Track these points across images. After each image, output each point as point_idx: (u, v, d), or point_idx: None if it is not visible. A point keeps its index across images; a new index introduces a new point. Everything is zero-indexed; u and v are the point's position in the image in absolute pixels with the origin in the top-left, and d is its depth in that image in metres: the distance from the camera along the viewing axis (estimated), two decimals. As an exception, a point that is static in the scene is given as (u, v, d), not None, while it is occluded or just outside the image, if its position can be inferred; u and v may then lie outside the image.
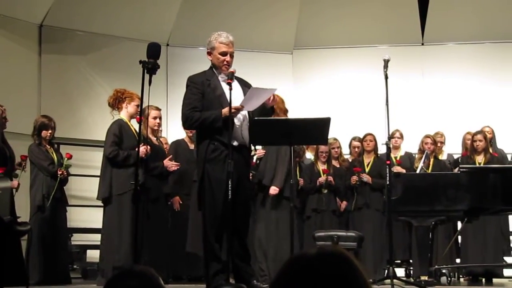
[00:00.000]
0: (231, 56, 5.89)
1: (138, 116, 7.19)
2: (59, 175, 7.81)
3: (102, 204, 7.40)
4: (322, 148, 9.11)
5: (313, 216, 9.03)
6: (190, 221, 7.85)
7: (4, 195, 4.61)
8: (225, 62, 5.85)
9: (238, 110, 5.66)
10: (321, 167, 9.19)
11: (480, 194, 6.85)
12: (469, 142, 9.12)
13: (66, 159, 7.98)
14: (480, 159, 8.75)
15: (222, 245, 5.78)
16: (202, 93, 5.82)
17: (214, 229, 5.71)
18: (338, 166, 9.44)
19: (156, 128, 7.84)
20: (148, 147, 6.99)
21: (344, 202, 9.15)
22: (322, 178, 9.04)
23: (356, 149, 9.55)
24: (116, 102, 7.36)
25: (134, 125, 7.32)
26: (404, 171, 9.08)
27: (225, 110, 5.64)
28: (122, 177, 7.04)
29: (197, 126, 5.91)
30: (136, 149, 6.44)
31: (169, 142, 8.91)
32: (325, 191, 9.05)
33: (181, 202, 8.34)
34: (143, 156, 6.79)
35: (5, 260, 4.06)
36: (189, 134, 8.52)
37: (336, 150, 9.51)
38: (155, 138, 7.83)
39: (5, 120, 7.35)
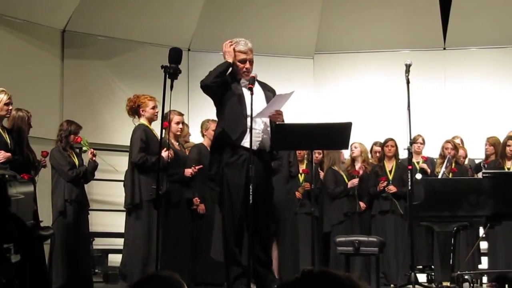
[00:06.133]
0: (251, 63, 5.90)
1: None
2: (90, 157, 7.81)
3: (123, 209, 7.43)
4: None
5: (346, 220, 8.98)
6: (215, 227, 7.80)
7: (27, 200, 4.64)
8: (244, 70, 5.86)
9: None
10: (339, 170, 9.17)
11: (503, 200, 6.79)
12: (488, 148, 9.08)
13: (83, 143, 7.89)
14: (509, 165, 8.66)
15: (242, 249, 5.78)
16: (225, 82, 5.84)
17: (233, 233, 5.72)
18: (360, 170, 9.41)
19: (178, 133, 7.85)
20: (172, 152, 7.01)
21: (362, 204, 9.11)
22: (356, 180, 8.99)
23: (377, 154, 9.53)
24: (132, 111, 7.40)
25: (155, 129, 7.34)
26: (429, 170, 9.08)
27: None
28: (150, 183, 7.03)
29: (211, 80, 5.81)
30: (161, 154, 6.44)
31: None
32: (355, 192, 9.04)
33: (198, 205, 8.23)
34: (168, 160, 6.80)
35: (28, 264, 4.09)
36: (209, 137, 8.49)
37: (353, 150, 9.41)
38: (177, 143, 7.84)
39: (30, 126, 7.39)
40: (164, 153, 6.67)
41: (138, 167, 7.14)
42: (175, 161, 7.39)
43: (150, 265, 6.88)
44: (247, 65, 5.87)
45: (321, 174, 9.20)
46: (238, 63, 5.87)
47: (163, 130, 5.99)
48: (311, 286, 1.83)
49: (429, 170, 9.18)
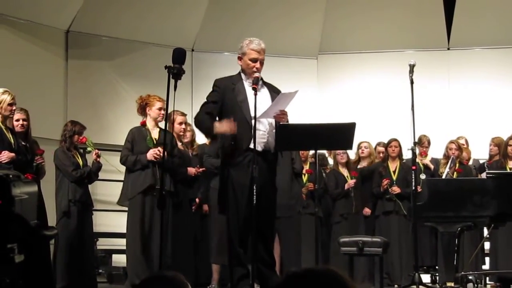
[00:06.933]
0: (261, 63, 5.88)
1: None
2: (94, 158, 7.86)
3: (127, 209, 7.47)
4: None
5: (343, 221, 9.01)
6: (214, 231, 7.70)
7: (31, 200, 4.64)
8: (254, 69, 5.84)
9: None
10: (343, 170, 9.18)
11: (507, 200, 6.78)
12: (492, 148, 9.06)
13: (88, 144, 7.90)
14: (511, 165, 8.65)
15: (246, 250, 5.77)
16: (222, 98, 5.82)
17: (237, 234, 5.71)
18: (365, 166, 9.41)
19: (181, 133, 7.88)
20: (159, 149, 6.98)
21: (366, 210, 9.11)
22: (352, 181, 9.01)
23: (381, 155, 9.52)
24: (141, 109, 7.45)
25: (157, 129, 7.37)
26: (432, 166, 9.08)
27: (217, 123, 5.75)
28: (132, 182, 7.23)
29: (197, 126, 6.02)
30: (148, 153, 6.87)
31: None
32: (352, 194, 9.04)
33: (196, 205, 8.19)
34: (153, 158, 7.01)
35: (32, 264, 4.09)
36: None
37: (363, 150, 9.44)
38: (180, 143, 7.85)
39: (18, 122, 7.20)
40: (149, 153, 7.03)
41: (124, 166, 7.37)
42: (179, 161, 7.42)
43: (136, 265, 6.99)
44: (258, 64, 5.86)
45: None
46: (249, 62, 5.85)
47: (167, 130, 6.05)
48: (295, 285, 1.83)
49: (432, 166, 9.19)
